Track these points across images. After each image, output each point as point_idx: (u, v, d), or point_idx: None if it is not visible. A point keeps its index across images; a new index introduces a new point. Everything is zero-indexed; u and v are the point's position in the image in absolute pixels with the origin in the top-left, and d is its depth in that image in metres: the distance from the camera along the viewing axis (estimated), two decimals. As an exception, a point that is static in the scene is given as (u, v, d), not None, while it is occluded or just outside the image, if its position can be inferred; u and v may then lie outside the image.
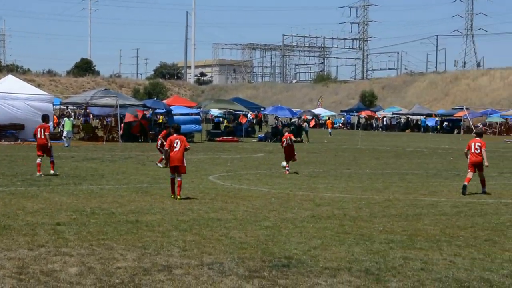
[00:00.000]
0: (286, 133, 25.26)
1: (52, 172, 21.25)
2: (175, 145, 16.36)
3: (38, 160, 21.38)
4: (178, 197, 16.27)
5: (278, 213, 14.44)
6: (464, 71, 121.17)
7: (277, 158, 32.06)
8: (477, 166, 18.74)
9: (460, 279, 9.08)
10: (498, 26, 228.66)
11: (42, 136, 21.50)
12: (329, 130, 67.85)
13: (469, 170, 18.88)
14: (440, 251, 10.78)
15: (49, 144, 21.51)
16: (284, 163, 24.48)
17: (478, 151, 18.69)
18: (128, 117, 44.28)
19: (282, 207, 15.34)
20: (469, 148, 18.88)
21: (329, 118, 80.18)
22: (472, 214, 14.76)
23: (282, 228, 12.53)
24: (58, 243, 10.82)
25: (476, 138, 19.34)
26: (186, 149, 16.47)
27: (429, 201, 16.96)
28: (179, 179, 16.43)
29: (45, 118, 23.04)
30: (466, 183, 18.52)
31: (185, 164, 16.54)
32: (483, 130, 73.12)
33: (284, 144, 24.73)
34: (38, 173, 21.06)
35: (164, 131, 26.75)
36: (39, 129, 21.74)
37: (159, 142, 26.01)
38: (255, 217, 13.75)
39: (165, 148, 16.88)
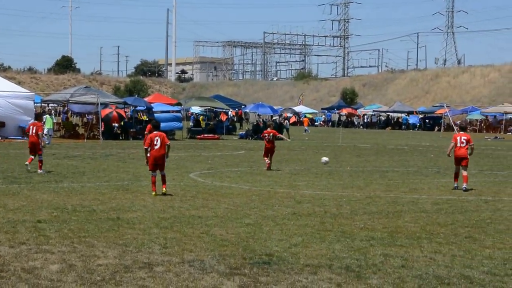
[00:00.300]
0: (269, 129, 25.38)
1: (39, 171, 21.13)
2: (155, 142, 16.43)
3: (31, 156, 21.65)
4: (164, 189, 16.36)
5: (259, 210, 14.46)
6: (445, 68, 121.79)
7: (258, 155, 32.05)
8: (462, 160, 18.88)
9: (440, 276, 9.14)
10: (479, 24, 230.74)
11: (34, 134, 21.60)
12: (305, 128, 67.84)
13: (455, 165, 19.10)
14: (420, 248, 10.85)
15: (41, 143, 21.76)
16: (325, 159, 24.42)
17: (464, 144, 18.88)
18: (104, 112, 44.42)
19: (263, 204, 15.36)
20: (455, 141, 19.05)
21: (305, 116, 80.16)
22: (453, 211, 14.86)
23: (263, 226, 12.54)
24: (39, 241, 10.77)
25: (461, 132, 19.55)
26: (167, 146, 16.51)
27: (410, 198, 17.05)
28: (162, 174, 16.52)
29: (38, 116, 23.25)
30: (456, 184, 18.79)
31: (164, 161, 16.68)
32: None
33: (266, 139, 24.79)
34: (27, 162, 21.34)
35: (149, 126, 26.65)
36: (31, 127, 21.88)
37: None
38: (236, 215, 13.75)
39: (145, 146, 16.90)
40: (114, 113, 46.07)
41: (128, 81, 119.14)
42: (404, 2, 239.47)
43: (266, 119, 59.69)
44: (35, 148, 21.54)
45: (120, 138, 43.91)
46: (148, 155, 16.80)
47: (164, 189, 16.46)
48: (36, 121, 22.51)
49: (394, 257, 10.14)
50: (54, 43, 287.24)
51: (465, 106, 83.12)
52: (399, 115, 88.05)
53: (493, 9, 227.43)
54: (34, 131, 21.63)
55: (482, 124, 75.87)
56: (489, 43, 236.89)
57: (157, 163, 16.52)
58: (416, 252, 10.58)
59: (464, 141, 19.03)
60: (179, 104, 56.37)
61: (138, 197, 16.09)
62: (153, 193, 16.42)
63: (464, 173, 19.02)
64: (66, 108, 56.91)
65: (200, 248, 10.50)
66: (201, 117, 61.88)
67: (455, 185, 19.01)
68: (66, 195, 16.17)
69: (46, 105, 60.67)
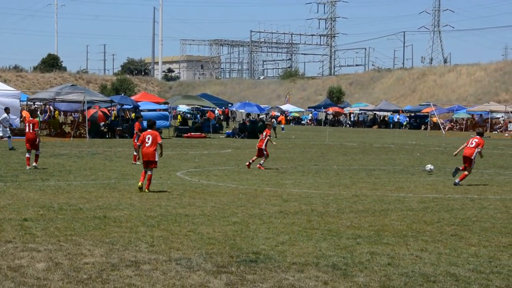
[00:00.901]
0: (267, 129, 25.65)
1: (34, 164, 21.94)
2: (146, 140, 16.74)
3: (27, 155, 22.08)
4: (146, 190, 16.51)
5: (246, 208, 14.47)
6: (431, 67, 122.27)
7: (245, 154, 32.07)
8: (467, 159, 19.87)
9: (426, 274, 9.18)
10: (465, 23, 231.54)
11: (31, 131, 22.41)
12: (282, 126, 67.66)
13: (463, 163, 20.22)
14: (406, 246, 10.89)
15: (38, 139, 22.36)
16: (429, 166, 24.38)
17: (473, 145, 19.99)
18: (89, 113, 44.21)
19: (250, 203, 15.37)
20: (467, 143, 20.33)
21: (281, 114, 79.74)
22: (439, 210, 14.93)
23: (249, 224, 12.55)
24: (26, 239, 10.73)
25: (477, 136, 20.63)
26: (159, 145, 16.77)
27: (396, 196, 17.11)
28: (149, 173, 16.70)
29: (34, 113, 24.00)
30: (459, 168, 19.86)
31: (156, 159, 16.83)
32: (451, 126, 74.16)
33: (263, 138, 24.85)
34: (27, 167, 21.78)
35: (137, 124, 26.61)
36: (27, 124, 22.91)
37: (136, 136, 25.68)
38: (223, 213, 13.76)
39: (138, 143, 17.19)
40: (99, 112, 45.94)
41: (115, 80, 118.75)
42: (390, 1, 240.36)
43: (253, 118, 59.72)
44: (33, 145, 22.15)
45: (107, 136, 43.80)
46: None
47: (146, 190, 16.56)
48: (32, 118, 23.48)
49: (381, 255, 10.18)
50: (40, 41, 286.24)
51: (451, 104, 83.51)
52: (386, 113, 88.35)
53: (479, 8, 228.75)
54: (31, 127, 22.44)
55: (468, 123, 76.23)
56: (475, 42, 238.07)
57: (148, 161, 16.72)
58: (403, 250, 10.62)
59: (474, 142, 20.18)
60: (166, 103, 56.33)
61: (125, 195, 16.06)
62: (140, 183, 16.71)
63: (465, 172, 19.90)
64: (47, 106, 56.56)
65: (187, 246, 10.50)
66: (178, 116, 61.86)
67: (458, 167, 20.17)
68: (53, 193, 16.11)
69: (32, 103, 60.31)
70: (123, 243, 10.60)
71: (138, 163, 24.61)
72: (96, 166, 23.41)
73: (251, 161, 24.53)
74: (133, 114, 51.07)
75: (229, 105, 65.95)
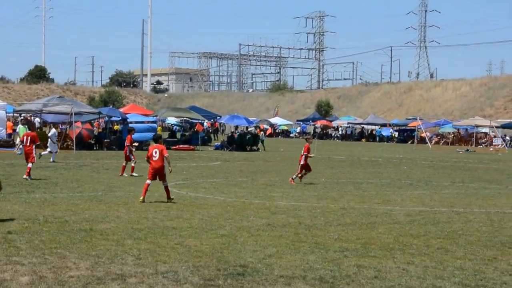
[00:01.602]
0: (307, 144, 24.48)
1: (24, 177, 22.23)
2: (154, 154, 17.49)
3: (29, 165, 22.65)
4: (168, 200, 17.38)
5: (234, 221, 14.44)
6: (418, 82, 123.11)
7: (234, 166, 32.07)
8: None
9: (413, 287, 9.19)
10: (450, 38, 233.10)
11: (28, 144, 23.16)
12: (262, 138, 67.23)
13: None
14: (393, 259, 10.90)
15: (35, 152, 23.32)
16: None
17: None
18: (76, 131, 43.77)
19: (238, 215, 15.34)
20: None
21: (270, 127, 79.56)
22: (425, 223, 14.96)
23: (237, 237, 12.53)
24: (9, 252, 10.65)
25: None
26: (165, 158, 17.52)
27: (383, 209, 17.14)
28: (164, 184, 17.56)
29: (33, 126, 24.70)
30: None
31: (164, 172, 17.56)
32: (437, 140, 74.48)
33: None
34: (27, 177, 22.25)
35: (129, 137, 26.55)
36: (24, 137, 23.69)
37: (127, 149, 25.78)
38: (211, 226, 13.73)
39: (146, 158, 17.91)
40: (84, 132, 45.15)
41: (103, 92, 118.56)
42: (378, 16, 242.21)
43: (241, 131, 59.74)
44: (29, 157, 22.84)
45: (94, 148, 43.65)
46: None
47: (168, 199, 17.40)
48: (29, 131, 24.28)
49: (368, 268, 10.18)
50: (27, 53, 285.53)
51: (438, 119, 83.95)
52: (373, 127, 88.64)
53: (464, 24, 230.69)
54: (28, 141, 23.18)
55: (454, 137, 76.60)
56: (461, 58, 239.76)
57: (157, 174, 17.51)
58: (389, 263, 10.63)
59: None
60: (155, 115, 56.29)
61: (112, 208, 16.00)
62: (141, 198, 17.21)
63: None
64: (29, 118, 56.32)
65: (174, 259, 10.46)
66: (158, 128, 61.74)
67: None
68: (38, 206, 16.02)
69: (18, 115, 60.11)
70: (109, 256, 10.55)
71: (135, 174, 24.58)
72: (83, 178, 23.32)
73: (294, 176, 23.89)
74: (116, 126, 50.90)
75: (218, 117, 65.97)
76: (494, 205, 18.82)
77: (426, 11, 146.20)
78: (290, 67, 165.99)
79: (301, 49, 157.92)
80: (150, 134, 46.17)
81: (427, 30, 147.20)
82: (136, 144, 29.54)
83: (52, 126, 36.52)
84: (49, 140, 32.95)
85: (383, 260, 10.80)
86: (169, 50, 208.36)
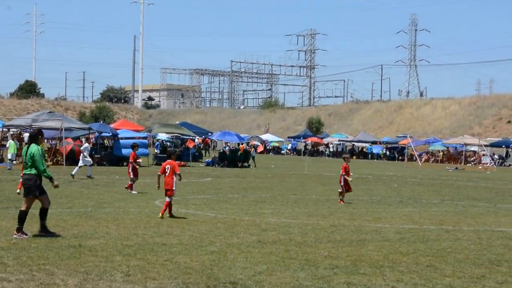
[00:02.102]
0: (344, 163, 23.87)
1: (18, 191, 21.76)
2: (166, 170, 17.92)
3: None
4: (160, 215, 17.48)
5: (224, 238, 14.42)
6: (408, 100, 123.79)
7: (224, 183, 32.05)
8: None
9: (402, 304, 9.19)
10: (440, 58, 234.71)
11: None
12: (253, 155, 67.00)
13: None
14: (383, 277, 10.91)
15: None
16: None
17: None
18: (66, 148, 43.59)
19: (228, 232, 15.33)
20: None
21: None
22: (414, 240, 14.98)
23: (227, 253, 12.51)
24: (-2, 268, 10.58)
25: None
26: (176, 174, 17.89)
27: (373, 227, 17.15)
28: (167, 200, 17.74)
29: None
30: None
31: (173, 188, 17.87)
32: (427, 158, 74.70)
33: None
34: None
35: (132, 153, 26.38)
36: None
37: (131, 166, 25.52)
38: (201, 242, 13.70)
39: (159, 173, 18.31)
40: (76, 147, 45.06)
41: (94, 107, 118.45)
42: (368, 35, 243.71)
43: (233, 147, 59.74)
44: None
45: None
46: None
47: (168, 214, 17.62)
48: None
49: (357, 285, 10.19)
50: (18, 68, 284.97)
51: (427, 137, 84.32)
52: (364, 144, 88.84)
53: (454, 44, 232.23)
54: None
55: (444, 155, 76.90)
56: (450, 77, 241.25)
57: (166, 189, 17.91)
58: (379, 280, 10.64)
59: None
60: (149, 130, 56.24)
61: (101, 224, 15.95)
62: (160, 215, 17.54)
63: None
64: (9, 133, 56.17)
65: (164, 276, 10.43)
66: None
67: None
68: (26, 221, 15.89)
69: (7, 129, 59.87)
70: (98, 272, 10.51)
71: (134, 192, 24.48)
72: (72, 194, 23.26)
73: (341, 197, 23.68)
74: (105, 140, 50.75)
75: (209, 134, 65.97)
76: (483, 223, 18.87)
77: (416, 30, 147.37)
78: (282, 84, 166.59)
79: (292, 66, 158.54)
80: (141, 150, 46.16)
81: (417, 49, 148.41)
82: (140, 160, 29.32)
83: (85, 140, 36.41)
84: (81, 154, 32.98)
85: (373, 278, 10.80)
86: (160, 66, 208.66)
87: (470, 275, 11.34)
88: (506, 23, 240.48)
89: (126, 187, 25.19)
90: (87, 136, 46.81)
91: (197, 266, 11.24)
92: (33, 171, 13.85)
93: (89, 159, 33.10)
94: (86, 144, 34.21)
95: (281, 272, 10.96)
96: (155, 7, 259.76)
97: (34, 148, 13.90)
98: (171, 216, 17.62)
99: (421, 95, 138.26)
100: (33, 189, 13.79)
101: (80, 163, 32.65)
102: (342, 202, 23.32)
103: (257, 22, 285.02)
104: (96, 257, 11.72)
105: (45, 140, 51.45)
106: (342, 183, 23.60)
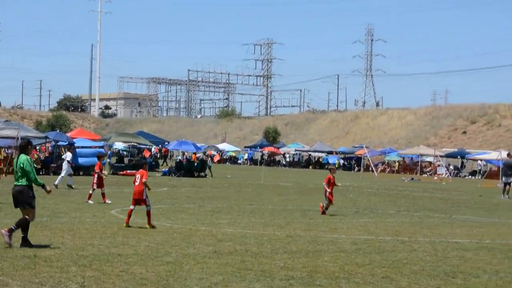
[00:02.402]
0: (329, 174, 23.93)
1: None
2: (137, 179, 17.96)
3: None
4: (148, 226, 17.51)
5: (180, 248, 14.38)
6: (364, 110, 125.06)
7: (181, 192, 31.94)
8: None
9: (357, 315, 9.27)
10: (396, 68, 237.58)
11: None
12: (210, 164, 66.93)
13: None
14: None
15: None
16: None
17: None
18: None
19: (184, 242, 15.29)
20: None
21: (194, 153, 78.76)
22: (370, 251, 15.12)
23: (183, 264, 12.48)
24: (-50, 279, 10.40)
25: None
26: (143, 183, 17.78)
27: (329, 237, 17.26)
28: (147, 209, 17.79)
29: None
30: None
31: (144, 197, 17.81)
32: (383, 168, 75.43)
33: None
34: None
35: (98, 163, 26.16)
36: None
37: (96, 176, 25.33)
38: (157, 253, 13.64)
39: (134, 182, 18.32)
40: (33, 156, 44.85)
41: (51, 116, 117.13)
42: (325, 44, 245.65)
43: (189, 157, 59.59)
44: None
45: (41, 173, 42.95)
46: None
47: (147, 225, 17.52)
48: None
49: (313, 297, 10.24)
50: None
51: (384, 147, 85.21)
52: (320, 154, 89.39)
53: (410, 54, 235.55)
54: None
55: (399, 166, 77.77)
56: (406, 87, 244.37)
57: (136, 198, 17.88)
58: (334, 291, 10.71)
59: None
60: (104, 140, 55.78)
61: (56, 234, 15.77)
62: (124, 224, 17.56)
63: None
64: None
65: (119, 286, 10.36)
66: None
67: None
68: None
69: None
70: (52, 283, 10.39)
71: (90, 202, 24.22)
72: (27, 204, 22.89)
73: (324, 207, 23.53)
74: (61, 149, 50.22)
75: (166, 143, 65.72)
76: (438, 234, 19.12)
77: (372, 40, 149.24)
78: (239, 93, 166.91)
79: (249, 75, 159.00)
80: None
81: (373, 59, 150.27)
82: (105, 172, 29.13)
83: (67, 149, 36.93)
84: (64, 163, 32.66)
85: (329, 288, 10.87)
86: (117, 75, 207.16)
87: (425, 286, 11.49)
88: (461, 34, 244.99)
89: (86, 201, 24.79)
90: (67, 146, 45.98)
91: (153, 277, 11.19)
92: (24, 182, 13.90)
93: (69, 169, 32.86)
94: (69, 153, 33.82)
95: (237, 283, 10.98)
96: (112, 15, 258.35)
97: (23, 158, 13.94)
98: (152, 227, 17.58)
99: (377, 105, 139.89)
100: (23, 200, 13.89)
101: (63, 173, 32.42)
102: (324, 213, 23.19)
103: (215, 31, 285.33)
104: (51, 267, 11.59)
105: (1, 149, 50.92)
106: (326, 195, 23.60)
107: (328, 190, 23.63)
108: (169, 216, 21.04)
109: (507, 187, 36.91)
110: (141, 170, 18.31)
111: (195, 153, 58.29)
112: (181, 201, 27.06)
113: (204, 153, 68.86)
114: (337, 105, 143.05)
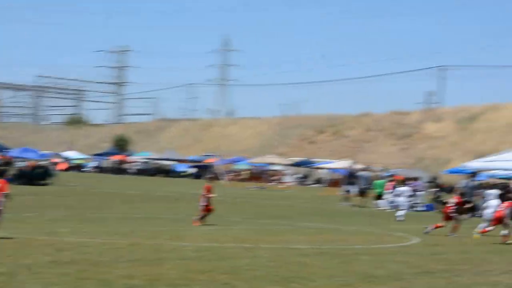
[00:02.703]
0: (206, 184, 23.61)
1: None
2: None
3: None
4: None
5: (15, 259, 13.66)
6: (216, 119, 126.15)
7: (20, 201, 30.55)
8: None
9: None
10: (249, 78, 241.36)
11: None
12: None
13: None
14: (178, 295, 10.84)
15: None
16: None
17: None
18: None
19: (20, 252, 14.55)
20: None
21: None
22: (213, 258, 15.08)
23: (17, 275, 11.86)
24: None
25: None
26: (4, 194, 17.22)
27: (173, 245, 17.09)
28: None
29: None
30: None
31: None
32: (232, 176, 76.35)
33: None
34: None
35: None
36: None
37: None
38: (-12, 264, 12.89)
39: None
40: None
41: None
42: (179, 53, 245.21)
43: (34, 164, 57.33)
44: None
45: None
46: None
47: None
48: None
49: (151, 305, 10.03)
50: None
51: (234, 156, 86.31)
52: (170, 162, 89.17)
53: (263, 65, 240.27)
54: None
55: (248, 174, 79.02)
56: (258, 97, 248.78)
57: None
58: (174, 299, 10.55)
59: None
60: None
61: None
62: None
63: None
64: None
65: None
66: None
67: None
68: None
69: None
70: None
71: None
72: None
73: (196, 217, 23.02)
74: None
75: (5, 150, 62.90)
76: (281, 240, 19.45)
77: (227, 50, 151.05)
78: (89, 100, 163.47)
79: (101, 82, 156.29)
80: None
81: (228, 69, 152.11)
82: None
83: None
84: None
85: (168, 296, 10.70)
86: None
87: (268, 291, 11.57)
88: (312, 46, 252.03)
89: None
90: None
91: (-19, 289, 10.55)
92: None
93: None
94: None
95: (73, 293, 10.57)
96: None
97: None
98: None
99: (230, 114, 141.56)
100: None
101: None
102: (198, 223, 22.69)
103: (67, 37, 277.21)
104: None
105: None
106: (202, 204, 23.16)
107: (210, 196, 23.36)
108: (5, 225, 19.99)
109: (349, 194, 38.38)
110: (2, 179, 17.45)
111: (37, 161, 56.23)
112: (20, 210, 25.85)
113: (49, 160, 66.60)
114: (190, 114, 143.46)
